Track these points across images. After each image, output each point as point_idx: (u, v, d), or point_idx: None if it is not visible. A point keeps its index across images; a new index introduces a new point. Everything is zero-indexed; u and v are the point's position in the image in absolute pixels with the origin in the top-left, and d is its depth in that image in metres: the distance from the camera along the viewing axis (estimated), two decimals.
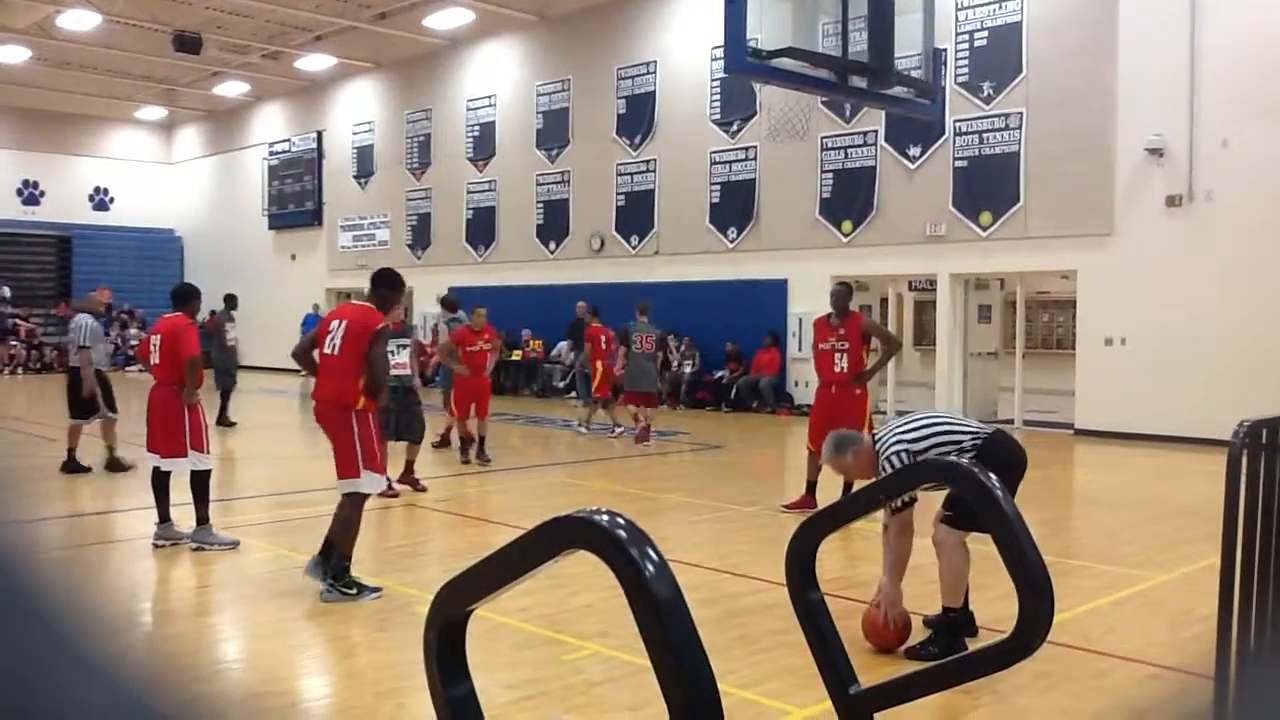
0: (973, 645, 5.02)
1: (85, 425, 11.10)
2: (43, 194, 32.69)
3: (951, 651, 4.87)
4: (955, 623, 5.27)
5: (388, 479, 9.66)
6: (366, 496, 6.40)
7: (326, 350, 6.41)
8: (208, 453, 7.68)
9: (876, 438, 5.39)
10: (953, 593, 5.28)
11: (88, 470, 10.97)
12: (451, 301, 13.22)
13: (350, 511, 6.26)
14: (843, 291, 9.26)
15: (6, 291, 30.30)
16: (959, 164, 16.51)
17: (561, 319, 21.43)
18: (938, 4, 10.04)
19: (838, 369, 8.97)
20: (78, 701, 0.53)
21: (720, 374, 19.24)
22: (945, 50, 15.36)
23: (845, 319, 9.03)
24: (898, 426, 5.36)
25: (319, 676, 5.33)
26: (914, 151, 16.99)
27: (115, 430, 11.17)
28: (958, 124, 16.33)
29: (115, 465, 11.05)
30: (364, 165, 27.58)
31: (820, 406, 9.20)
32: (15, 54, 25.77)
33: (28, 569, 0.55)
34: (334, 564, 6.18)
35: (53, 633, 0.54)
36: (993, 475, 3.02)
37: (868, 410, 9.11)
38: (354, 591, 6.13)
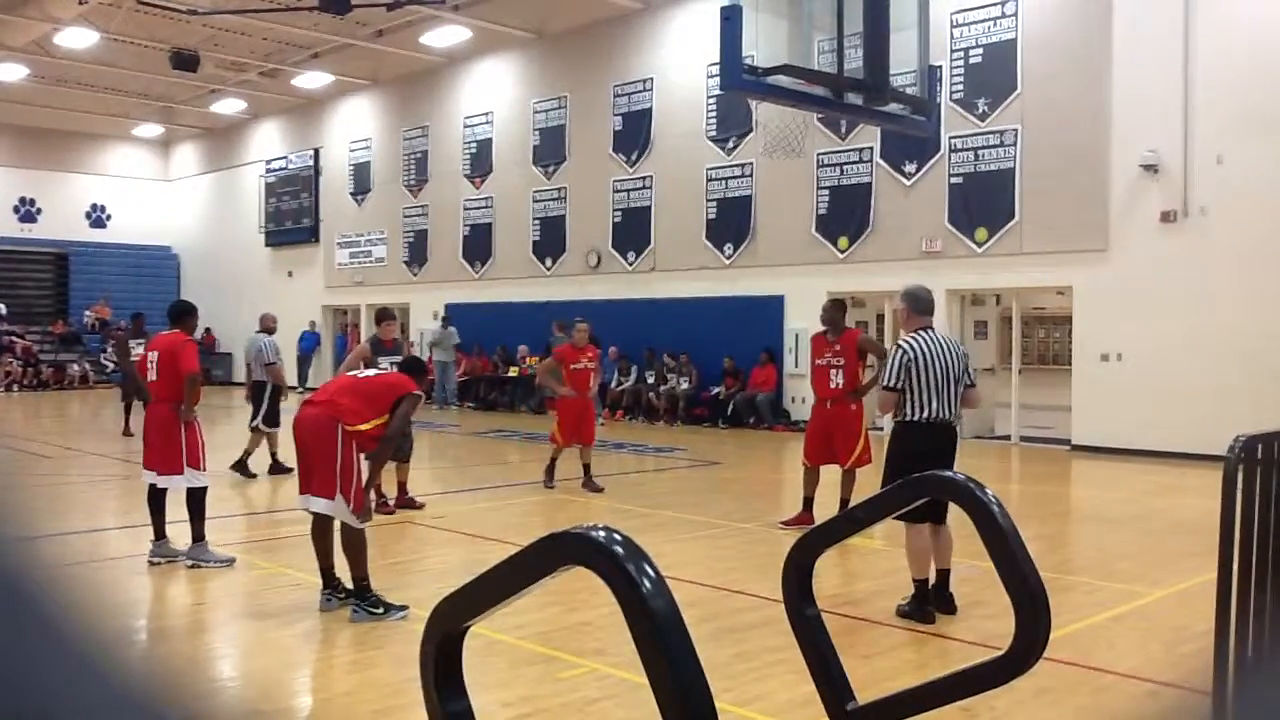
0: (971, 661, 5.01)
1: (277, 431, 12.14)
2: (40, 211, 32.71)
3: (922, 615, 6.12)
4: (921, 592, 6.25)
5: (384, 497, 9.69)
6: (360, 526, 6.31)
7: (355, 373, 6.92)
8: (204, 470, 7.66)
9: (911, 334, 6.43)
10: (917, 568, 6.25)
11: (254, 476, 12.06)
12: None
13: (350, 535, 6.20)
14: (831, 307, 9.25)
15: (2, 309, 30.28)
16: (954, 180, 16.56)
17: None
18: (933, 21, 10.11)
19: (834, 385, 8.97)
20: (86, 708, 0.54)
21: (717, 390, 19.24)
22: (940, 67, 15.46)
23: (841, 335, 9.03)
24: (930, 338, 6.33)
25: (315, 694, 5.31)
26: (910, 168, 17.05)
27: (278, 438, 12.19)
28: (953, 140, 16.39)
29: (279, 469, 12.16)
30: (361, 182, 27.62)
31: (816, 422, 9.20)
32: (13, 71, 25.83)
33: (36, 583, 0.56)
34: (354, 584, 6.15)
35: (62, 643, 0.55)
36: (989, 490, 3.03)
37: (864, 425, 9.11)
38: (380, 610, 6.07)
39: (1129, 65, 14.72)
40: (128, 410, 16.70)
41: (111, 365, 30.04)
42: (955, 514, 3.00)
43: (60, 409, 23.84)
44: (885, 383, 6.31)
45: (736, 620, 6.11)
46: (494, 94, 23.94)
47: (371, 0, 19.61)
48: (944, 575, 6.28)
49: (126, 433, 16.26)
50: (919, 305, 6.49)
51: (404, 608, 6.11)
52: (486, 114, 24.07)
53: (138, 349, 16.88)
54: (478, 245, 24.23)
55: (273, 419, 12.30)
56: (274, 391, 12.40)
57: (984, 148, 16.23)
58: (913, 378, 6.23)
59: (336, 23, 21.59)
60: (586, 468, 11.20)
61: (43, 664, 0.54)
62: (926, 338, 6.34)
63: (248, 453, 12.28)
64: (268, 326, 12.84)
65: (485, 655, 5.20)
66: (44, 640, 0.55)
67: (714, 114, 19.61)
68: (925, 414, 6.25)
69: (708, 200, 19.74)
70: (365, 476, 6.30)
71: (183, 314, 8.03)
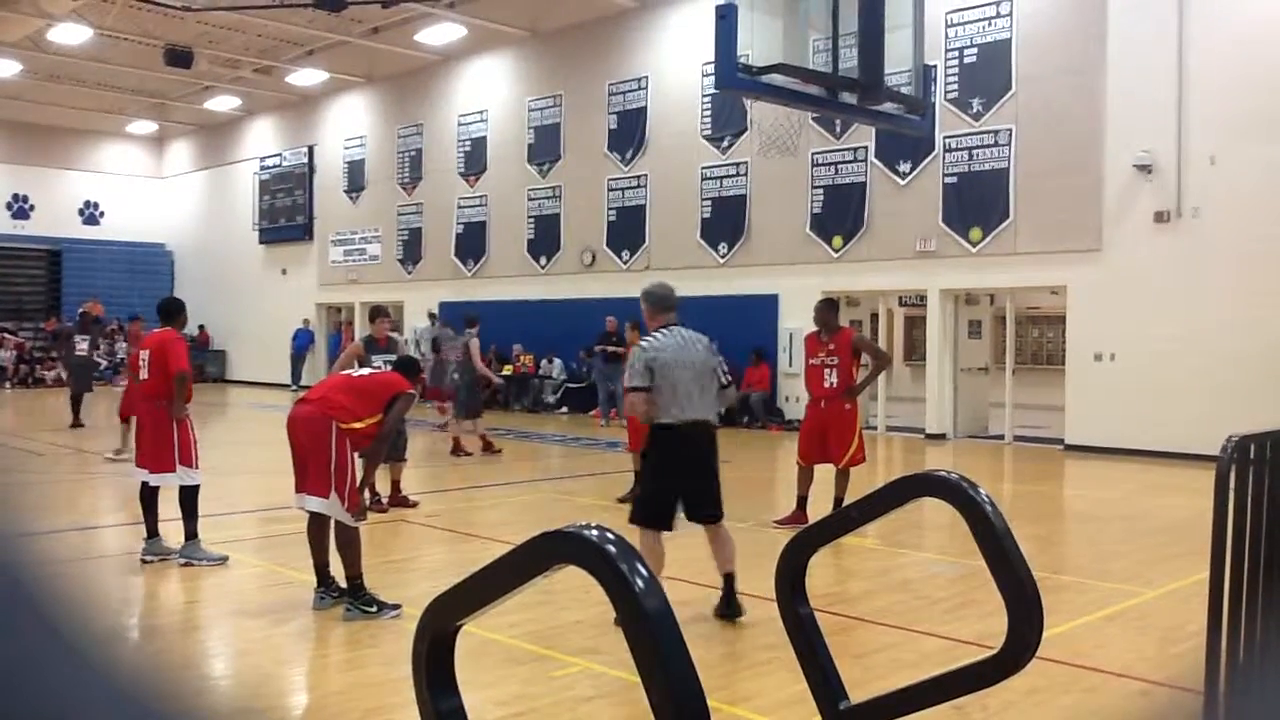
0: (964, 661, 5.02)
1: None
2: (32, 208, 32.61)
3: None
4: None
5: (377, 496, 9.68)
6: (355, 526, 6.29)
7: (349, 372, 6.93)
8: (197, 468, 7.65)
9: (654, 331, 6.09)
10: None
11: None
12: (472, 318, 14.44)
13: (344, 534, 6.19)
14: (823, 307, 9.26)
15: None
16: (949, 180, 16.57)
17: (553, 334, 21.45)
18: (928, 21, 10.11)
19: (827, 384, 8.98)
20: (83, 706, 0.53)
21: None
22: (935, 67, 15.46)
23: (835, 334, 9.05)
24: (674, 335, 6.03)
25: (308, 692, 5.31)
26: (904, 167, 17.06)
27: None
28: (947, 140, 16.40)
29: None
30: (355, 180, 27.58)
31: (810, 421, 9.21)
32: (6, 67, 25.76)
33: (33, 580, 0.55)
34: (348, 583, 6.15)
35: (57, 641, 0.55)
36: (982, 489, 3.03)
37: (858, 425, 9.12)
38: (374, 609, 6.07)
39: (1123, 65, 14.75)
40: (76, 404, 17.38)
41: (104, 363, 30.04)
42: (945, 511, 2.97)
43: (53, 406, 23.75)
44: (628, 383, 5.98)
45: (730, 619, 6.11)
46: (489, 92, 23.92)
47: None
48: (730, 580, 6.04)
49: (76, 425, 16.88)
50: (660, 303, 6.13)
51: (397, 606, 6.10)
52: (481, 112, 24.04)
53: (83, 344, 17.49)
54: (472, 243, 24.20)
55: None
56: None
57: (978, 147, 16.25)
58: (659, 377, 5.88)
59: (331, 20, 21.56)
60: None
61: (38, 662, 0.54)
62: (670, 334, 6.00)
63: None
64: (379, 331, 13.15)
65: (478, 654, 5.20)
66: (39, 638, 0.55)
67: (709, 113, 19.60)
68: (678, 415, 5.92)
69: (702, 199, 19.74)
70: (359, 475, 6.30)
71: (172, 311, 8.01)
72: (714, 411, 6.15)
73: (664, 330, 6.03)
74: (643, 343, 6.01)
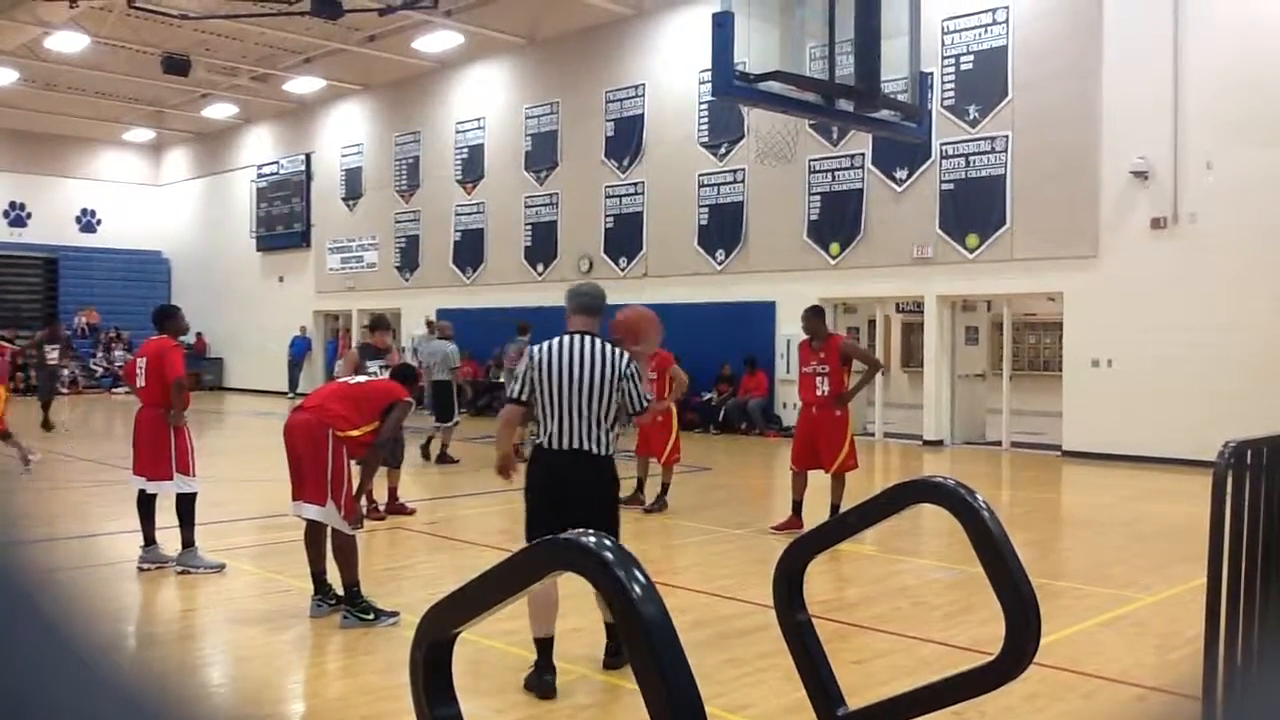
0: (962, 667, 5.02)
1: (446, 426, 13.42)
2: (29, 215, 32.58)
3: None
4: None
5: (374, 503, 9.67)
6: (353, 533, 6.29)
7: (346, 379, 7.00)
8: (194, 476, 7.64)
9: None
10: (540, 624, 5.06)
11: (456, 462, 13.65)
12: (524, 325, 14.92)
13: (341, 541, 6.19)
14: (810, 316, 9.28)
15: None
16: (945, 186, 16.59)
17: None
18: (924, 28, 10.14)
19: (819, 392, 9.01)
20: (85, 712, 0.53)
21: (708, 396, 19.24)
22: (931, 74, 15.41)
23: (825, 342, 9.07)
24: (568, 345, 5.19)
25: (305, 700, 5.30)
26: (901, 174, 17.08)
27: (452, 434, 13.78)
28: (944, 147, 16.42)
29: (445, 459, 13.69)
30: (353, 187, 27.58)
31: (802, 427, 9.25)
32: (3, 75, 25.75)
33: (34, 587, 0.56)
34: (345, 590, 6.15)
35: (61, 646, 0.55)
36: (979, 495, 3.03)
37: (849, 431, 9.11)
38: (371, 616, 6.07)
39: (1119, 72, 14.78)
40: (45, 408, 18.45)
41: (101, 369, 30.02)
42: (943, 518, 3.00)
43: (49, 413, 23.68)
44: (508, 393, 5.29)
45: (727, 626, 6.11)
46: (486, 99, 23.94)
47: (363, 5, 19.61)
48: (550, 644, 5.02)
49: (46, 426, 17.73)
50: (576, 302, 5.34)
51: (395, 613, 6.10)
52: (478, 119, 24.06)
53: (52, 353, 17.96)
54: (469, 251, 24.21)
55: (451, 414, 13.34)
56: (458, 391, 13.79)
57: (975, 154, 16.26)
58: (537, 391, 5.11)
59: (328, 27, 21.57)
60: (664, 485, 10.32)
61: (41, 669, 0.54)
62: (562, 344, 5.14)
63: (445, 445, 13.69)
64: (446, 334, 13.81)
65: (475, 661, 5.19)
66: (42, 644, 0.55)
67: (706, 120, 19.62)
68: (545, 438, 5.11)
69: (700, 206, 19.75)
70: (356, 483, 6.30)
71: (166, 318, 7.98)
72: (604, 440, 5.08)
73: (565, 337, 5.19)
74: (530, 349, 5.26)
